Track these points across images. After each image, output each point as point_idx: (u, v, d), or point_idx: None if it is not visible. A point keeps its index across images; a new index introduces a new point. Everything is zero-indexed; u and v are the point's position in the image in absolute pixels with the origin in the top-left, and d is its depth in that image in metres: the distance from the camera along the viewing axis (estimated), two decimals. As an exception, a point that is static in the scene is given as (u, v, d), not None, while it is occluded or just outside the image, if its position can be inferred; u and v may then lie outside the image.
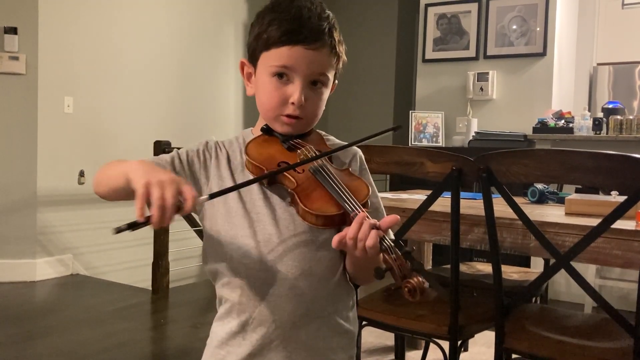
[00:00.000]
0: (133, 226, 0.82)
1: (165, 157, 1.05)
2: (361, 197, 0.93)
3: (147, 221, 0.82)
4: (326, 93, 1.05)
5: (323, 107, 1.05)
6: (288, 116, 1.01)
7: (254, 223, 1.00)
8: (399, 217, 0.89)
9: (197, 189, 1.04)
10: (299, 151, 1.01)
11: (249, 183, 0.96)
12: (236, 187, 0.95)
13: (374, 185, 1.09)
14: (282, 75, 1.00)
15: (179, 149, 1.09)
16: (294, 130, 1.03)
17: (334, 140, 1.11)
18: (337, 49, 1.02)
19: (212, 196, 0.89)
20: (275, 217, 1.00)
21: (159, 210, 0.81)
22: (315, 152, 1.00)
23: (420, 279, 0.80)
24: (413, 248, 0.85)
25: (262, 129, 1.07)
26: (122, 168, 0.91)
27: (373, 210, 1.03)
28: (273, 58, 1.00)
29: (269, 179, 0.99)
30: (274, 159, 1.00)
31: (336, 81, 1.08)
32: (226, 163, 1.06)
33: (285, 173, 0.97)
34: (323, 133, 1.11)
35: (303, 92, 1.00)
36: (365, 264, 0.92)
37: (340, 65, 1.06)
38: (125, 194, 0.93)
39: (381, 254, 0.84)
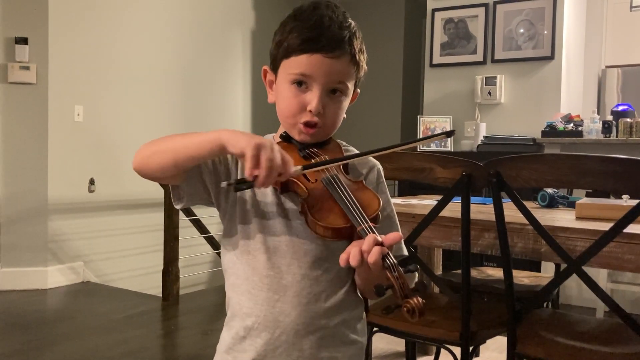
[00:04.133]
0: (240, 182, 0.88)
1: None
2: (370, 211, 0.92)
3: (253, 181, 0.87)
4: (345, 102, 1.05)
5: (342, 116, 1.05)
6: (306, 124, 1.01)
7: (265, 228, 1.00)
8: (401, 235, 0.90)
9: (217, 188, 1.04)
10: (313, 160, 1.01)
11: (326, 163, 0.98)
12: (326, 163, 0.97)
13: (389, 198, 1.08)
14: (301, 83, 1.00)
15: None
16: (311, 138, 1.03)
17: (353, 151, 1.11)
18: (357, 58, 1.02)
19: (305, 168, 0.94)
20: (286, 224, 1.00)
21: (266, 171, 0.86)
22: None
23: (420, 300, 0.79)
24: (417, 267, 0.84)
25: (281, 136, 1.07)
26: (202, 137, 0.93)
27: (387, 224, 1.03)
28: (292, 66, 1.00)
29: (282, 186, 0.99)
30: None
31: (358, 90, 1.08)
32: None
33: (297, 181, 0.97)
34: (343, 143, 1.10)
35: (321, 100, 1.00)
36: (370, 279, 0.91)
37: (361, 74, 1.05)
38: (190, 164, 0.95)
39: (384, 271, 0.83)
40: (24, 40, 3.98)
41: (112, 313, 3.57)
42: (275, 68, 1.05)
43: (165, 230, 3.78)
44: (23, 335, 3.10)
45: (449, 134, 1.00)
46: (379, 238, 0.84)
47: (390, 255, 0.83)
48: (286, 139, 1.06)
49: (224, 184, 0.89)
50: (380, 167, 1.11)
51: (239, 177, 1.03)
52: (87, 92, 4.26)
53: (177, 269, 3.81)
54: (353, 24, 1.03)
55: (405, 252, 1.07)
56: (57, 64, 4.08)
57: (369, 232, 0.86)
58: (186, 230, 4.06)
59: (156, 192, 3.72)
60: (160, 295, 3.85)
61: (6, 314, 3.52)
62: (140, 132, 4.55)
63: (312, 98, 1.00)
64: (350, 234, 0.91)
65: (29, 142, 4.05)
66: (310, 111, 1.00)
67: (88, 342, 3.03)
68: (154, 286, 4.11)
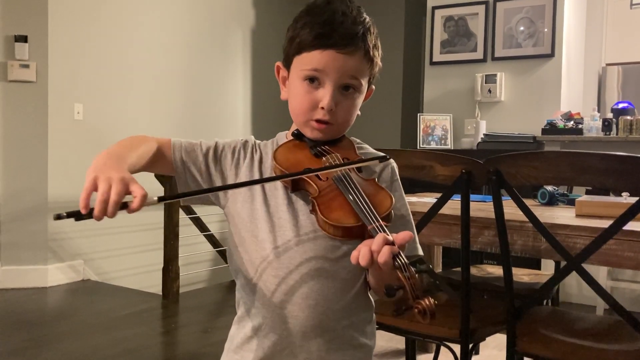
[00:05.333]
0: (74, 215, 0.84)
1: (202, 145, 1.06)
2: (382, 210, 0.90)
3: (89, 213, 0.84)
4: (359, 99, 1.03)
5: (355, 113, 1.03)
6: (318, 121, 1.00)
7: (275, 228, 0.99)
8: (412, 233, 0.87)
9: (224, 183, 1.04)
10: (324, 158, 0.99)
11: (233, 186, 0.98)
12: (201, 192, 0.97)
13: (404, 197, 1.06)
14: (313, 79, 0.98)
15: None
16: (323, 135, 1.02)
17: (367, 149, 1.09)
18: (372, 54, 1.00)
19: (161, 199, 0.88)
20: (297, 224, 0.99)
21: (100, 205, 0.83)
22: (340, 161, 0.98)
23: (432, 300, 0.77)
24: (430, 266, 0.82)
25: (293, 134, 1.06)
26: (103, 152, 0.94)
27: (401, 223, 1.01)
28: (305, 62, 0.98)
29: (293, 185, 0.97)
30: (300, 165, 0.98)
31: (373, 86, 1.06)
32: (258, 165, 1.05)
33: (308, 179, 0.95)
34: (357, 140, 1.08)
35: (333, 96, 0.98)
36: (382, 279, 0.89)
37: (376, 70, 1.03)
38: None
39: (395, 271, 0.80)
40: (23, 38, 3.98)
41: (113, 311, 3.57)
42: (288, 64, 1.03)
43: (166, 228, 3.78)
44: (23, 334, 3.10)
45: (382, 159, 0.99)
46: (390, 237, 0.82)
47: (402, 255, 0.81)
48: (298, 136, 1.05)
49: (54, 216, 0.85)
50: (395, 165, 1.09)
51: (232, 180, 1.04)
52: (87, 90, 4.26)
53: (177, 267, 3.81)
54: (368, 19, 1.01)
55: (420, 252, 1.04)
56: (57, 62, 4.08)
57: (380, 231, 0.84)
58: (186, 228, 4.06)
59: (157, 190, 3.72)
60: (161, 293, 3.85)
61: (6, 312, 3.53)
62: (140, 130, 4.55)
63: (324, 95, 0.98)
64: (361, 233, 0.88)
65: (29, 141, 4.04)
66: (322, 108, 0.98)
67: (88, 340, 3.03)
68: (154, 284, 4.12)
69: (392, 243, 0.81)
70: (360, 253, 0.82)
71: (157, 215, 4.04)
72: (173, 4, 4.84)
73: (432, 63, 4.69)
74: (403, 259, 0.80)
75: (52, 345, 2.96)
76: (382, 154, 1.05)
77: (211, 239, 4.41)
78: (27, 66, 3.99)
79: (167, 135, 0.98)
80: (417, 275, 0.80)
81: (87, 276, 4.27)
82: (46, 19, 4.01)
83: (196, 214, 4.16)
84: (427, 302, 0.77)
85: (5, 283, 3.96)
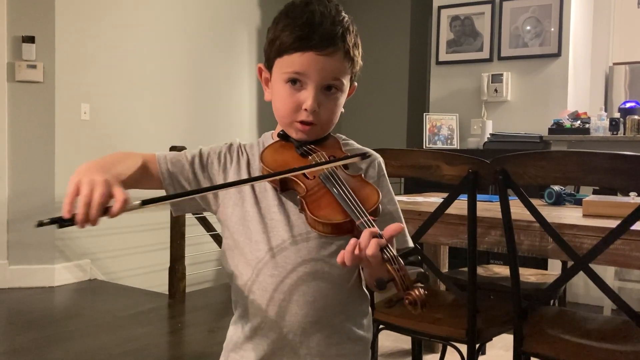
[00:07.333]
0: (57, 222, 0.83)
1: (187, 154, 1.07)
2: (369, 204, 0.91)
3: (72, 218, 0.82)
4: (342, 98, 1.03)
5: (339, 112, 1.04)
6: (302, 122, 1.00)
7: (268, 228, 1.00)
8: (402, 225, 0.88)
9: (204, 197, 1.06)
10: (310, 157, 1.00)
11: (219, 187, 0.99)
12: (193, 192, 0.98)
13: (392, 192, 1.07)
14: (295, 81, 0.99)
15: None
16: (308, 136, 1.02)
17: (352, 145, 1.10)
18: (352, 53, 1.00)
19: (145, 202, 0.87)
20: (289, 223, 1.00)
21: (83, 208, 0.83)
22: (326, 159, 0.99)
23: (422, 291, 0.78)
24: (418, 257, 0.83)
25: (279, 135, 1.07)
26: None
27: (389, 218, 1.02)
28: (286, 64, 0.99)
29: (281, 185, 0.98)
30: (287, 166, 0.99)
31: (355, 84, 1.07)
32: (246, 167, 1.06)
33: (295, 179, 0.96)
34: (343, 137, 1.09)
35: (316, 98, 0.99)
36: (374, 273, 0.90)
37: (357, 68, 1.04)
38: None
39: (385, 264, 0.81)
40: (31, 39, 4.00)
41: (119, 310, 3.59)
42: (269, 66, 1.04)
43: (172, 228, 3.79)
44: (30, 333, 3.12)
45: (362, 156, 0.99)
46: (378, 230, 0.83)
47: (390, 247, 0.82)
48: (284, 137, 1.06)
49: (36, 223, 0.84)
50: (381, 160, 1.09)
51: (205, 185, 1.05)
52: (94, 91, 4.28)
53: (183, 266, 3.82)
54: (346, 18, 1.01)
55: (411, 244, 1.05)
56: (63, 62, 4.10)
57: (368, 226, 0.85)
58: (192, 228, 4.06)
59: (162, 190, 3.73)
60: (167, 292, 3.86)
61: (14, 312, 3.55)
62: (146, 130, 4.57)
63: (307, 97, 0.98)
64: (350, 229, 0.89)
65: (36, 140, 4.06)
66: (305, 110, 0.99)
67: (95, 340, 3.04)
68: (160, 284, 4.13)
69: (379, 236, 0.82)
70: (346, 249, 0.83)
71: (163, 215, 4.06)
72: (179, 5, 4.85)
73: (438, 62, 4.68)
74: (391, 252, 0.81)
75: (59, 344, 2.97)
76: (366, 149, 1.07)
77: (217, 238, 4.41)
78: (34, 67, 4.01)
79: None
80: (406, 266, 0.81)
81: (93, 276, 4.28)
82: (53, 20, 4.03)
83: (202, 213, 4.17)
84: (418, 293, 0.78)
85: (12, 282, 3.98)
